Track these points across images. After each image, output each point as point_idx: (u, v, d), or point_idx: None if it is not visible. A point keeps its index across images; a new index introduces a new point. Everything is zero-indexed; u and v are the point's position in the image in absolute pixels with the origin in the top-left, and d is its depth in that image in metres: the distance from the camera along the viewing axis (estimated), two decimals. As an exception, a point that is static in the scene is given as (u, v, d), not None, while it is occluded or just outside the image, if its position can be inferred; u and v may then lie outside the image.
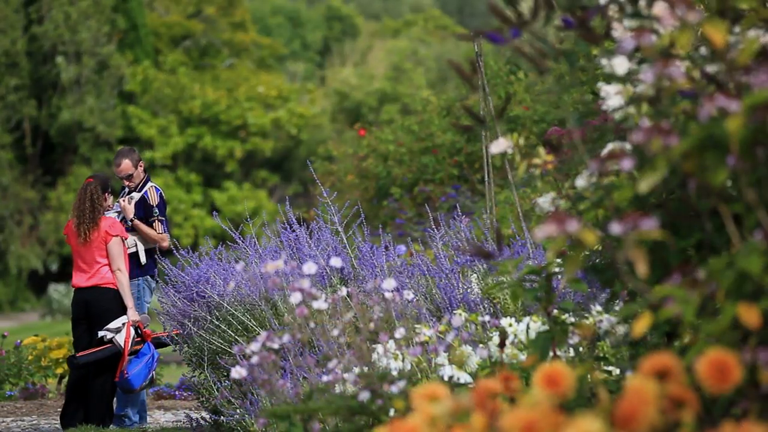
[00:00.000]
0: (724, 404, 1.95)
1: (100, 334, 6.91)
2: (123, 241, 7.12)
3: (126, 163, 7.53)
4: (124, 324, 6.91)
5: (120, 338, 6.89)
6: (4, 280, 28.47)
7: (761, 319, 1.85)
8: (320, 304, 3.11)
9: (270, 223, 7.18)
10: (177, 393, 9.34)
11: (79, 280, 7.09)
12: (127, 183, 7.54)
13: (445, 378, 3.04)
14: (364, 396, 2.79)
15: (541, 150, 2.59)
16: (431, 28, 42.41)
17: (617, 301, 2.61)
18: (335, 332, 3.16)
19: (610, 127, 2.45)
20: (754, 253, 1.87)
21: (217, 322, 6.00)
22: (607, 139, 2.42)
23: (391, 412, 2.75)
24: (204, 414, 6.51)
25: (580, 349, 2.75)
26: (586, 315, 2.77)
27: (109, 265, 7.04)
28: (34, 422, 7.78)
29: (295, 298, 3.10)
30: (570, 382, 1.82)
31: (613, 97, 2.33)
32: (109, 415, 7.05)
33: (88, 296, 7.05)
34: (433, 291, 5.58)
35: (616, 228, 1.94)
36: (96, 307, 7.01)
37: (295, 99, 33.71)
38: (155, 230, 7.38)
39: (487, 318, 3.43)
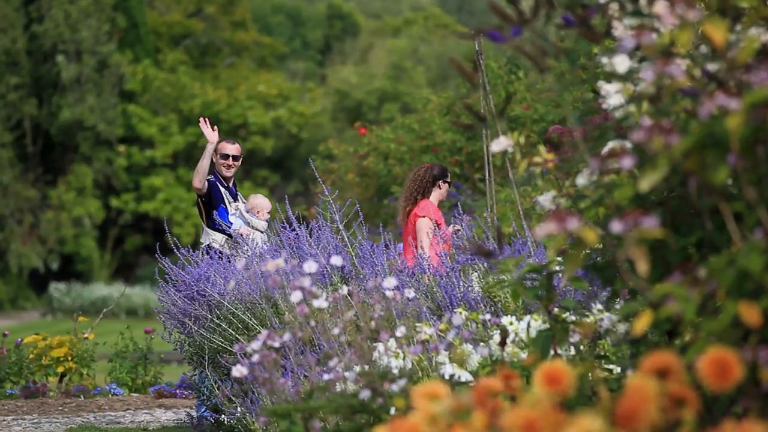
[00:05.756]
0: (725, 403, 1.95)
1: None
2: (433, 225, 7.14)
3: (239, 147, 7.65)
4: None
5: None
6: (4, 278, 28.48)
7: (762, 317, 1.85)
8: (321, 303, 3.11)
9: (270, 221, 7.18)
10: (178, 391, 9.34)
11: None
12: (230, 163, 7.53)
13: (446, 376, 3.04)
14: (365, 394, 2.79)
15: (542, 148, 2.59)
16: (431, 27, 42.39)
17: (618, 300, 2.61)
18: (336, 331, 3.16)
19: (610, 125, 2.45)
20: (754, 252, 1.87)
21: (217, 321, 6.00)
22: (608, 137, 2.42)
23: (392, 411, 2.75)
24: (205, 412, 6.51)
25: (581, 347, 2.75)
26: (587, 313, 2.77)
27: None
28: (35, 421, 7.78)
29: (296, 296, 3.10)
30: (571, 381, 1.82)
31: (613, 95, 2.33)
32: None
33: None
34: (434, 289, 5.58)
35: (616, 226, 1.94)
36: None
37: (296, 98, 33.72)
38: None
39: (487, 316, 3.43)
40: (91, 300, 26.52)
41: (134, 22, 31.60)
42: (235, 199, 7.53)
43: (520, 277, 2.51)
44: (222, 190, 7.48)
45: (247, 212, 7.40)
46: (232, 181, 7.61)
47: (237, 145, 7.64)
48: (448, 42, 39.41)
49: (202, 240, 7.48)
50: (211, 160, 7.54)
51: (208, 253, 6.86)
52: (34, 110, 28.93)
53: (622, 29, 2.29)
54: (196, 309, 6.16)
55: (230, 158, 7.53)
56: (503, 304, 5.31)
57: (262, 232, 7.30)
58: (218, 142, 7.61)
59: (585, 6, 2.36)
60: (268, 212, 7.44)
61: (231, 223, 7.28)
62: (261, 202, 7.45)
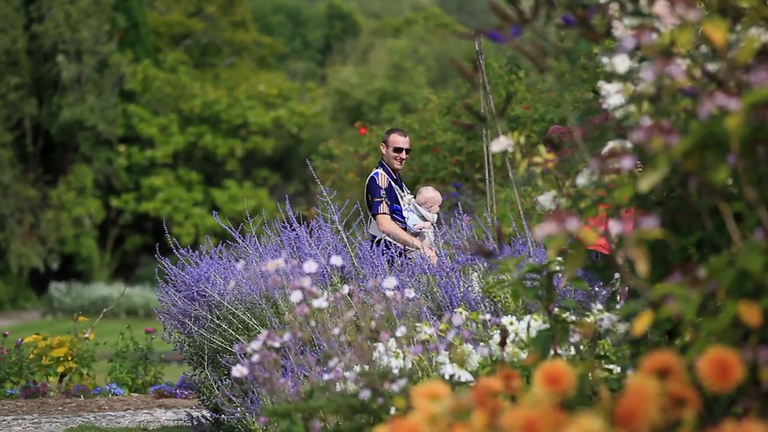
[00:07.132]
0: (725, 403, 1.95)
1: None
2: None
3: (409, 139, 7.59)
4: None
5: None
6: (4, 278, 28.47)
7: (762, 317, 1.85)
8: (321, 303, 3.11)
9: (270, 221, 7.17)
10: (178, 391, 9.34)
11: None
12: (403, 156, 7.49)
13: (446, 376, 3.04)
14: (365, 394, 2.79)
15: (542, 148, 2.59)
16: (431, 27, 42.38)
17: (618, 300, 2.61)
18: (336, 331, 3.16)
19: (610, 125, 2.45)
20: (754, 252, 1.87)
21: (217, 321, 6.00)
22: (608, 137, 2.42)
23: (392, 411, 2.75)
24: (205, 412, 6.51)
25: (581, 347, 2.75)
26: (587, 313, 2.77)
27: None
28: (35, 421, 7.78)
29: (296, 296, 3.10)
30: (571, 381, 1.82)
31: (613, 95, 2.33)
32: None
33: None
34: (434, 289, 5.58)
35: (616, 227, 1.94)
36: None
37: (296, 98, 33.71)
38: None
39: (488, 316, 3.43)
40: (92, 300, 26.52)
41: (134, 22, 31.59)
42: (402, 191, 7.51)
43: (520, 277, 2.51)
44: (394, 186, 7.45)
45: (420, 205, 7.38)
46: (398, 173, 7.61)
47: (408, 138, 7.62)
48: (448, 42, 39.39)
49: (372, 233, 7.35)
50: (381, 151, 7.54)
51: (384, 247, 6.45)
52: (35, 110, 28.92)
53: (622, 29, 2.29)
54: (196, 309, 6.16)
55: (403, 152, 7.51)
56: (503, 304, 5.31)
57: (433, 225, 7.26)
58: (388, 133, 7.60)
59: (585, 6, 2.36)
60: (439, 205, 7.44)
61: (406, 218, 7.26)
62: (433, 195, 7.44)
